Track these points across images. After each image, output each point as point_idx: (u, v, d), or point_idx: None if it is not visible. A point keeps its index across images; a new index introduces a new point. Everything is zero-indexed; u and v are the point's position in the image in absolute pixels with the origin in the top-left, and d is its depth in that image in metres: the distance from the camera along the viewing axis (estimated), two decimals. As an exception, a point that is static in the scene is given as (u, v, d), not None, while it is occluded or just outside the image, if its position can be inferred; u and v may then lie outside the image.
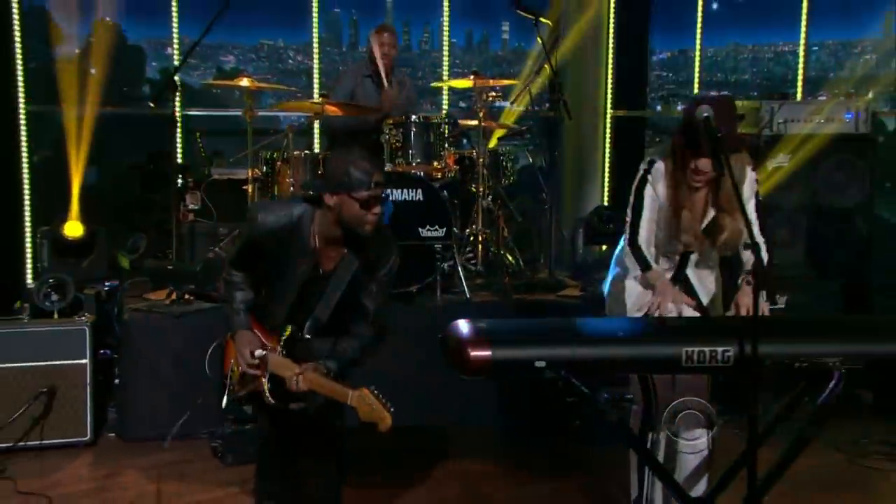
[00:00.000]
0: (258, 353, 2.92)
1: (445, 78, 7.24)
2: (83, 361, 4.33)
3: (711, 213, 3.18)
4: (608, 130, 7.30)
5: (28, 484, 3.88)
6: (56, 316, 4.42)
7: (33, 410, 4.23)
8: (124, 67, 7.20)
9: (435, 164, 5.20)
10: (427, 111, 6.99)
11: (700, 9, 7.46)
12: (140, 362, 4.46)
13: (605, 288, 3.45)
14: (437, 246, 4.86)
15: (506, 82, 5.95)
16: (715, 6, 7.72)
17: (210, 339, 3.89)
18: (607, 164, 7.30)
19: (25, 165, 6.06)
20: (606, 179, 7.31)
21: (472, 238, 5.33)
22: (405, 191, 4.84)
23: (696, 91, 7.60)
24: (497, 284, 5.15)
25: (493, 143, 6.14)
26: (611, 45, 7.21)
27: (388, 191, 4.77)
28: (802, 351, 2.74)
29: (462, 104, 7.50)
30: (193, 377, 4.23)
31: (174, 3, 6.65)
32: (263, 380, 2.91)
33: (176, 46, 6.72)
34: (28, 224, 6.03)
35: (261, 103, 7.03)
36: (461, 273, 4.94)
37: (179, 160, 6.41)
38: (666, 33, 7.88)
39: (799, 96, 7.05)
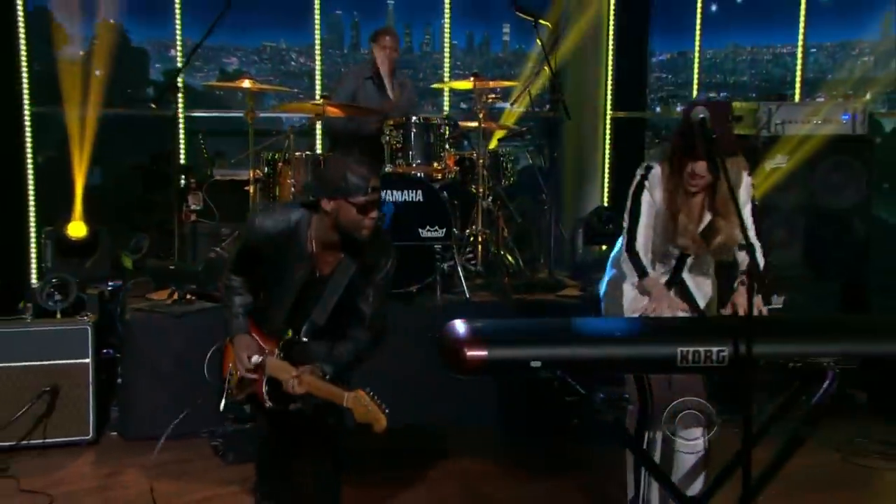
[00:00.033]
0: (254, 359, 2.95)
1: (446, 79, 7.28)
2: (85, 361, 4.36)
3: (708, 217, 3.19)
4: (608, 131, 7.33)
5: (31, 482, 3.90)
6: (59, 316, 4.45)
7: (36, 409, 4.25)
8: (128, 69, 7.25)
9: (435, 164, 5.23)
10: (428, 112, 7.01)
11: (699, 11, 7.49)
12: (142, 362, 4.48)
13: (601, 290, 3.47)
14: (437, 246, 4.88)
15: (505, 84, 5.98)
16: (714, 8, 7.74)
17: (211, 339, 3.88)
18: (607, 165, 7.33)
19: (30, 167, 6.10)
20: (606, 180, 7.34)
21: (471, 238, 5.34)
22: (405, 192, 4.85)
23: (695, 92, 7.63)
24: (497, 284, 5.17)
25: (493, 144, 6.15)
26: (611, 47, 7.24)
27: (389, 192, 4.81)
28: (797, 351, 2.75)
29: (463, 105, 7.53)
30: (195, 376, 4.21)
31: (177, 6, 6.68)
32: (262, 383, 2.95)
33: (179, 48, 6.76)
34: (32, 224, 6.07)
35: (263, 105, 7.08)
36: (461, 273, 4.96)
37: (182, 161, 6.45)
38: (665, 35, 7.90)
39: (797, 97, 7.07)
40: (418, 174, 5.10)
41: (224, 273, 3.10)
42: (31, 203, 6.09)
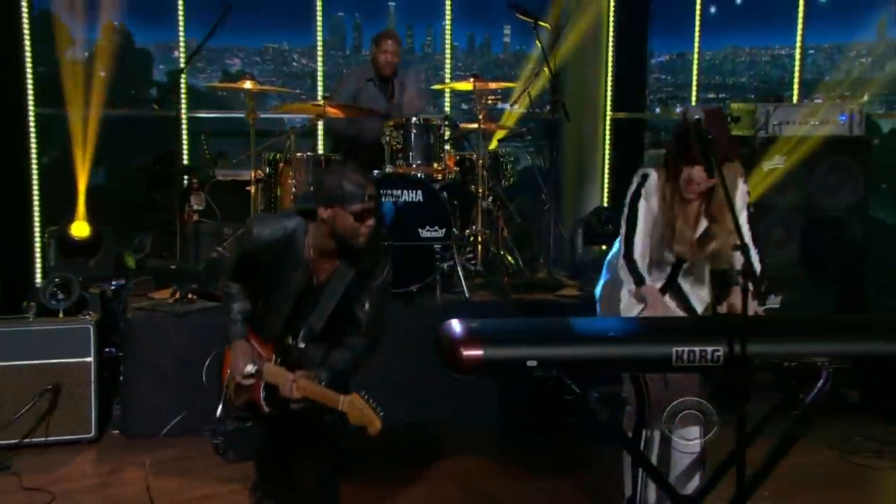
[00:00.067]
0: (248, 369, 2.99)
1: (447, 80, 7.30)
2: (88, 359, 4.39)
3: (704, 223, 3.20)
4: (608, 132, 7.34)
5: (33, 479, 3.93)
6: (61, 315, 4.48)
7: (38, 407, 4.28)
8: (131, 70, 7.28)
9: (435, 165, 5.25)
10: (429, 113, 7.04)
11: (698, 12, 7.50)
12: (143, 360, 4.51)
13: (597, 292, 3.48)
14: (437, 246, 4.91)
15: (505, 85, 6.00)
16: (713, 10, 7.76)
17: (212, 338, 3.92)
18: (607, 166, 7.35)
19: (35, 167, 6.13)
20: (606, 180, 7.35)
21: (471, 238, 5.36)
22: (405, 192, 4.88)
23: (694, 93, 7.65)
24: (496, 284, 5.20)
25: (493, 145, 6.17)
26: (610, 48, 7.26)
27: (389, 192, 4.84)
28: (791, 350, 2.78)
29: (464, 106, 7.55)
30: (196, 375, 4.28)
31: (180, 7, 6.71)
32: (259, 389, 3.00)
33: (182, 50, 6.78)
34: (37, 224, 6.10)
35: (265, 106, 7.11)
36: (461, 273, 4.98)
37: (185, 161, 6.49)
38: (665, 36, 7.90)
39: (795, 99, 7.09)
40: (418, 174, 5.12)
41: (222, 280, 3.14)
42: (36, 203, 6.11)
